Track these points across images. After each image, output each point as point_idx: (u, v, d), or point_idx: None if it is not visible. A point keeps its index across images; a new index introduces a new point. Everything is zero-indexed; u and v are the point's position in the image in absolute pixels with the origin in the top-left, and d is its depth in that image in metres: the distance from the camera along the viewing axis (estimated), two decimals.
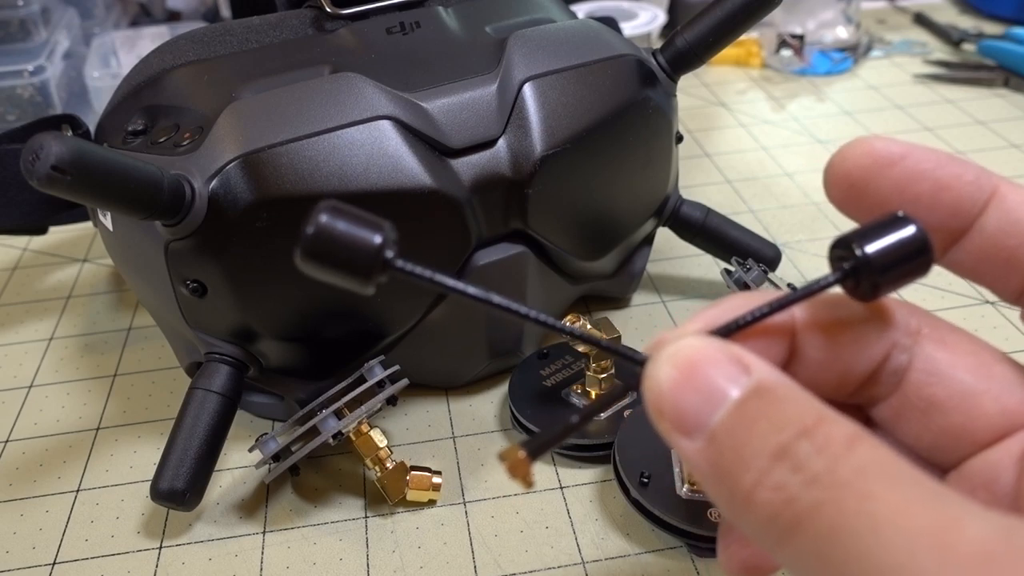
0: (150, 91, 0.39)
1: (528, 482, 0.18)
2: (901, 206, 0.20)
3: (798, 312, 0.20)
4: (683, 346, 0.18)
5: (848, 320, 0.20)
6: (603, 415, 0.39)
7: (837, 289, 0.20)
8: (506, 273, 0.39)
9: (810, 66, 0.76)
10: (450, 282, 0.19)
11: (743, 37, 0.49)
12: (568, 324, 0.20)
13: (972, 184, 0.20)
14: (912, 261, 0.18)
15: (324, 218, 0.18)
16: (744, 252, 0.46)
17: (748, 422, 0.16)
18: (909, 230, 0.18)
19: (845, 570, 0.15)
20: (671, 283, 0.50)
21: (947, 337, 0.21)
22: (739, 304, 0.20)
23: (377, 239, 0.18)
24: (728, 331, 0.19)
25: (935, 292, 0.48)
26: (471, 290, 0.19)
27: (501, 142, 0.37)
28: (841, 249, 0.19)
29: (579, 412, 0.19)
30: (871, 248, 0.18)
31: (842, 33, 0.78)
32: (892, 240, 0.18)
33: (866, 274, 0.18)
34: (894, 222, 0.18)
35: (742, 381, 0.17)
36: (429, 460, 0.39)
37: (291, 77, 0.37)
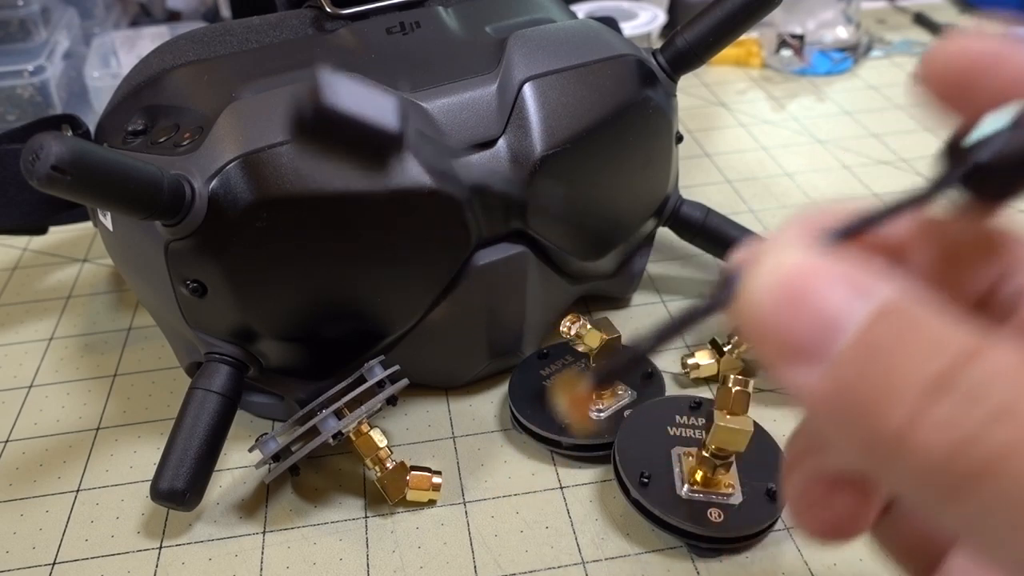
0: (150, 91, 0.39)
1: (588, 420, 0.16)
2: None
3: (903, 224, 0.17)
4: (786, 262, 0.14)
5: (957, 237, 0.17)
6: (602, 415, 0.39)
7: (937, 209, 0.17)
8: (506, 273, 0.39)
9: (810, 66, 0.76)
10: None
11: (743, 37, 0.49)
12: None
13: None
14: None
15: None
16: None
17: (888, 345, 0.13)
18: None
19: None
20: (671, 283, 0.50)
21: None
22: (843, 208, 0.16)
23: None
24: (839, 239, 0.16)
25: None
26: None
27: (501, 142, 0.37)
28: (961, 143, 0.16)
29: (645, 340, 0.16)
30: (1016, 137, 0.15)
31: (842, 33, 0.78)
32: None
33: (998, 172, 0.15)
34: None
35: (867, 301, 0.14)
36: (429, 460, 0.39)
37: (291, 77, 0.37)
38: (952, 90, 0.17)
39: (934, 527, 0.14)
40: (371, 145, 0.18)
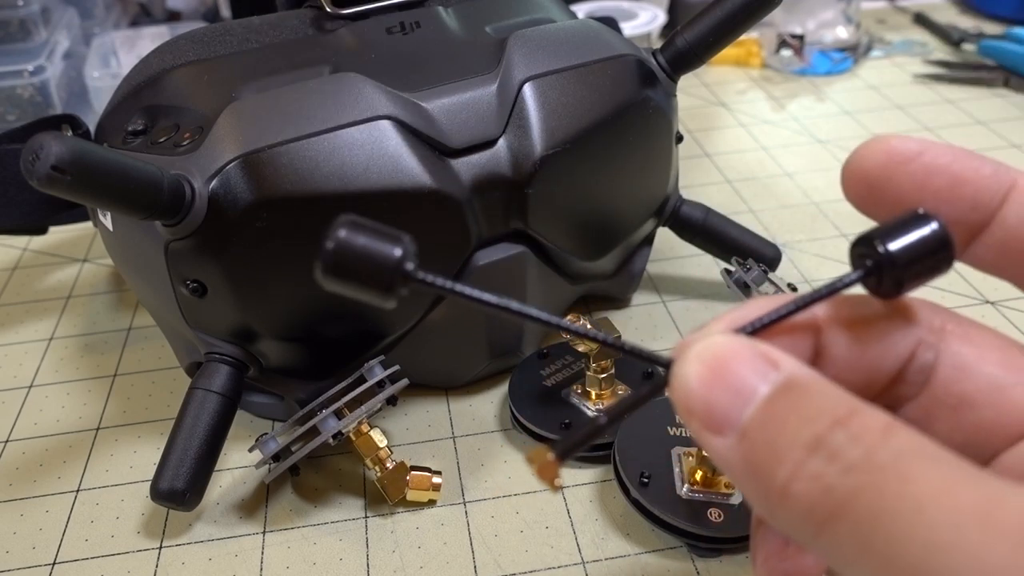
0: (150, 91, 0.39)
1: (556, 485, 0.18)
2: (920, 202, 0.20)
3: (822, 311, 0.20)
4: (710, 344, 0.18)
5: (872, 318, 0.20)
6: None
7: (859, 289, 0.20)
8: (506, 273, 0.39)
9: (810, 66, 0.76)
10: (470, 291, 0.19)
11: (743, 37, 0.49)
12: (583, 326, 0.20)
13: (990, 178, 0.20)
14: (934, 256, 0.18)
15: (343, 232, 0.18)
16: (744, 252, 0.46)
17: (780, 416, 0.16)
18: (931, 226, 0.18)
19: (889, 552, 0.15)
20: (671, 283, 0.50)
21: (972, 333, 0.21)
22: (762, 305, 0.20)
23: (397, 252, 0.18)
24: (753, 330, 0.19)
25: (935, 292, 0.48)
26: (490, 298, 0.19)
27: (501, 142, 0.37)
28: (863, 247, 0.19)
29: (607, 412, 0.19)
30: (894, 245, 0.18)
31: (842, 33, 0.78)
32: (914, 237, 0.18)
33: (889, 271, 0.19)
34: (915, 219, 0.18)
35: (771, 376, 0.17)
36: (429, 460, 0.39)
37: (291, 77, 0.37)
38: (868, 194, 0.21)
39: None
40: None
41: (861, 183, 0.21)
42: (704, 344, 0.18)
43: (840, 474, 0.15)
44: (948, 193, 0.20)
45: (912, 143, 0.21)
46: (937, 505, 0.14)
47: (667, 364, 0.19)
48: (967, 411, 0.20)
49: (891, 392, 0.21)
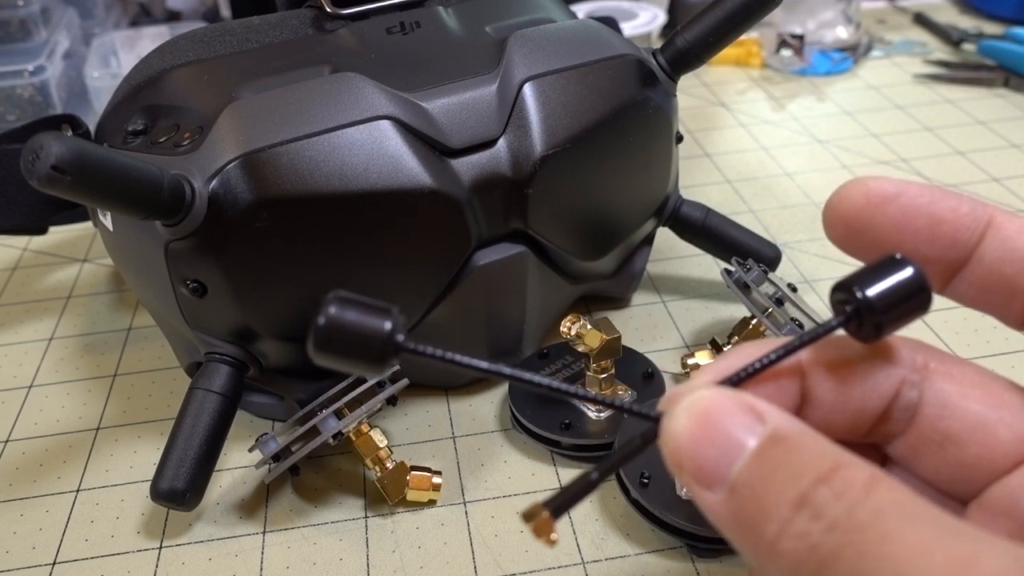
0: (150, 91, 0.39)
1: (552, 540, 0.18)
2: (899, 242, 0.21)
3: (806, 356, 0.21)
4: (697, 398, 0.18)
5: (855, 360, 0.21)
6: (602, 415, 0.39)
7: (841, 332, 0.20)
8: (506, 273, 0.39)
9: (810, 66, 0.76)
10: (462, 359, 0.19)
11: (743, 37, 0.49)
12: (582, 390, 0.21)
13: (968, 216, 0.21)
14: (911, 300, 0.19)
15: (333, 309, 0.18)
16: (744, 252, 0.46)
17: (767, 472, 0.17)
18: (907, 271, 0.19)
19: None
20: (671, 283, 0.50)
21: (954, 370, 0.21)
22: (747, 353, 0.20)
23: (387, 325, 0.18)
24: (739, 380, 0.19)
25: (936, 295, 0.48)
26: (484, 365, 0.19)
27: (501, 142, 0.37)
28: (842, 293, 0.19)
29: (598, 468, 0.19)
30: (872, 291, 0.19)
31: (842, 33, 0.78)
32: (891, 282, 0.19)
33: (868, 316, 0.19)
34: (892, 264, 0.19)
35: (758, 430, 0.17)
36: (429, 460, 0.39)
37: (291, 77, 0.37)
38: (848, 235, 0.21)
39: None
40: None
41: (841, 225, 0.22)
42: (692, 399, 0.18)
43: (824, 532, 0.15)
44: (927, 233, 0.21)
45: (889, 185, 0.21)
46: (913, 566, 0.15)
47: (656, 418, 0.19)
48: (952, 448, 0.21)
49: (878, 430, 0.21)
